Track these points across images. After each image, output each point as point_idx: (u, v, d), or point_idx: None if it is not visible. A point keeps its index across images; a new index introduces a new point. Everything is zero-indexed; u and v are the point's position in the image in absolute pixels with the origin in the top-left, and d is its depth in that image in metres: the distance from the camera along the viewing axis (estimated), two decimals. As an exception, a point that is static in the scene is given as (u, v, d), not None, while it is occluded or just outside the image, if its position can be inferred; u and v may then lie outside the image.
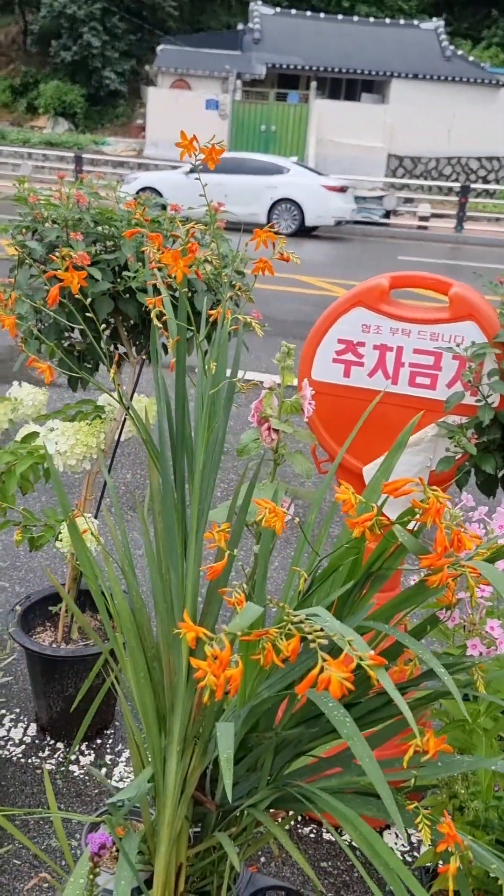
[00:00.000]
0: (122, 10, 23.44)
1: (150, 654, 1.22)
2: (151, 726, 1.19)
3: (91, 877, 0.73)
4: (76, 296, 1.10)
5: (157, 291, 1.12)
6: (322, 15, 23.86)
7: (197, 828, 1.31)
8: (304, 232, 13.98)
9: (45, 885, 1.49)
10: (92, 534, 1.32)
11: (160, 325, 1.04)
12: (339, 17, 23.89)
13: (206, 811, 1.26)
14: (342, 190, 14.32)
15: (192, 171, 14.11)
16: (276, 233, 1.03)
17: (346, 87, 22.80)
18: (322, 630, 0.65)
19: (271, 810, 1.26)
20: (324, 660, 0.65)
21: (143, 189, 13.71)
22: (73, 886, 0.92)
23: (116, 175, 18.13)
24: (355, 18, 23.92)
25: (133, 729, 1.26)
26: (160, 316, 1.09)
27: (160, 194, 13.92)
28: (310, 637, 0.63)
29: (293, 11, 23.74)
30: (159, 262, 0.91)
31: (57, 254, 1.69)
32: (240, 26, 23.72)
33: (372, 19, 24.08)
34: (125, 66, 24.10)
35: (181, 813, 1.20)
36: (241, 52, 22.19)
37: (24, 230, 1.69)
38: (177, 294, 1.34)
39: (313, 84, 21.58)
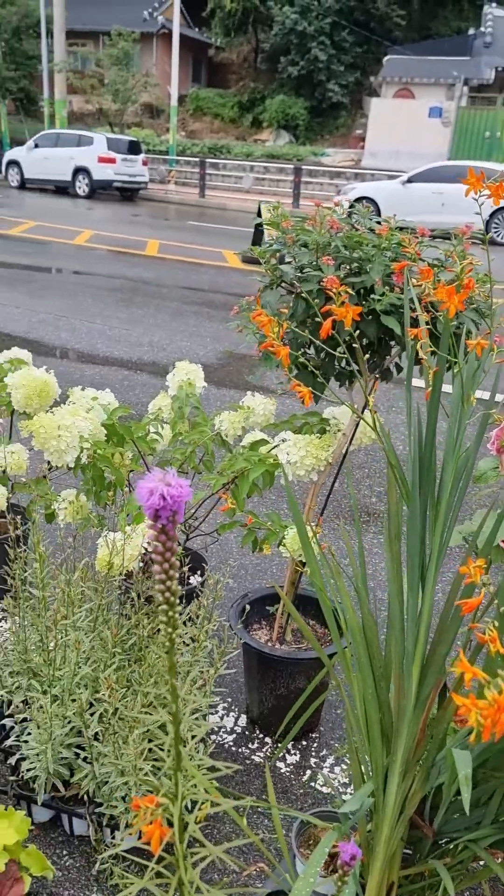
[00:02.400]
0: (351, 23, 23.75)
1: (378, 673, 1.25)
2: (375, 744, 1.22)
3: (339, 884, 0.77)
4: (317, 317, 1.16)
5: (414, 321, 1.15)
6: None
7: (409, 849, 1.32)
8: (525, 242, 13.29)
9: (257, 873, 1.57)
10: (329, 550, 1.37)
11: (424, 356, 1.07)
12: None
13: (422, 836, 1.26)
14: None
15: (409, 180, 13.96)
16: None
17: None
18: None
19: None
20: None
21: (360, 199, 13.80)
22: (304, 883, 0.97)
23: (333, 185, 18.43)
24: None
25: (354, 742, 1.30)
26: (417, 343, 1.12)
27: (376, 204, 13.93)
28: None
29: (530, 11, 22.63)
30: (432, 296, 0.94)
31: (303, 274, 1.78)
32: (470, 31, 23.05)
33: None
34: (349, 79, 24.40)
35: (398, 833, 1.21)
36: (471, 56, 21.55)
37: (275, 254, 1.80)
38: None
39: (546, 86, 20.42)
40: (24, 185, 18.99)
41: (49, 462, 1.92)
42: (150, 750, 1.66)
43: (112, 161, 17.44)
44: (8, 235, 11.10)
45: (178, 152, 22.51)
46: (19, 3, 23.35)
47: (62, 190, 18.49)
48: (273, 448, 2.05)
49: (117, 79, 22.05)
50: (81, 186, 17.82)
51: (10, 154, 19.36)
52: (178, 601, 0.75)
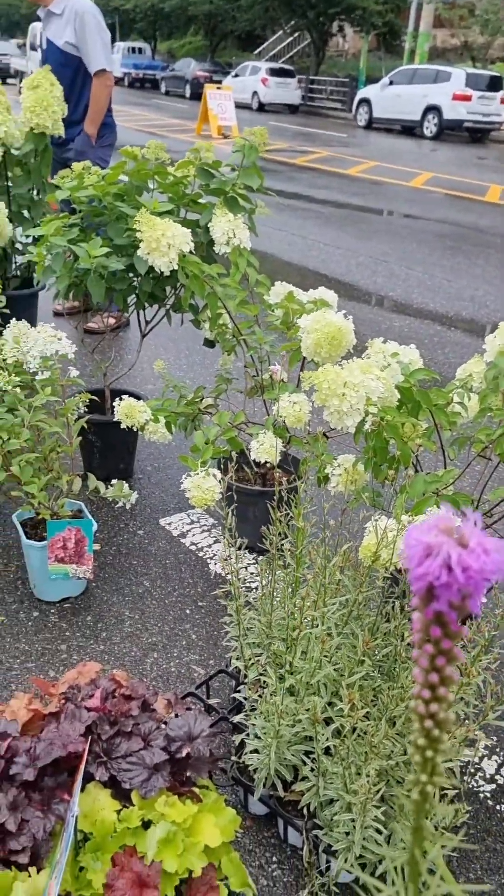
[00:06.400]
0: None
1: None
2: None
3: None
4: None
5: None
6: None
7: None
8: None
9: None
10: None
11: None
12: None
13: None
14: None
15: None
16: None
17: None
18: None
19: None
20: None
21: None
22: None
23: None
24: None
25: None
26: None
27: None
28: None
29: None
30: None
31: None
32: None
33: None
34: None
35: None
36: None
37: None
38: None
39: None
40: (370, 124, 18.74)
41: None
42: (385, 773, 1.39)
43: (467, 98, 16.32)
44: (346, 175, 11.00)
45: (544, 88, 20.32)
46: None
47: (408, 130, 17.89)
48: None
49: (490, 7, 20.40)
50: (429, 127, 17.02)
51: (363, 92, 19.18)
52: (445, 737, 0.44)
